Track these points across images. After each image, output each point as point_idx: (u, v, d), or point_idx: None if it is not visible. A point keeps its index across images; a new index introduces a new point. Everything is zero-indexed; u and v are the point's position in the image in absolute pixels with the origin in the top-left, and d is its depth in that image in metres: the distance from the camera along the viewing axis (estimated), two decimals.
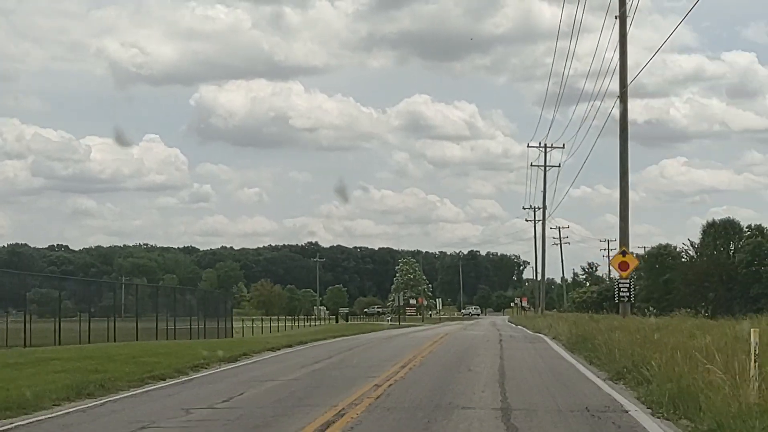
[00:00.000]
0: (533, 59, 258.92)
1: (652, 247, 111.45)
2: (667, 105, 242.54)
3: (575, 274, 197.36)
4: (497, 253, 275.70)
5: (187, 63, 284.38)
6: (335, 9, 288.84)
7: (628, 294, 40.69)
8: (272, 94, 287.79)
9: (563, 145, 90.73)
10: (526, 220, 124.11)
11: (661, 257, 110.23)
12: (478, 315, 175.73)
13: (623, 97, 39.11)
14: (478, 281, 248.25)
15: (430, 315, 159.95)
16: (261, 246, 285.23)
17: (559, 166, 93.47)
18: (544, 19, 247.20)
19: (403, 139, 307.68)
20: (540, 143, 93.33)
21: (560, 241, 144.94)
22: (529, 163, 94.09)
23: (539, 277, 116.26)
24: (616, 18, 40.14)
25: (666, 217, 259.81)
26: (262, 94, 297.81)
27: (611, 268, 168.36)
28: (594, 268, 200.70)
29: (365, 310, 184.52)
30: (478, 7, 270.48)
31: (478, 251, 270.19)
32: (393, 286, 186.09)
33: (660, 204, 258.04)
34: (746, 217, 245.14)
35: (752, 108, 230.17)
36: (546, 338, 41.86)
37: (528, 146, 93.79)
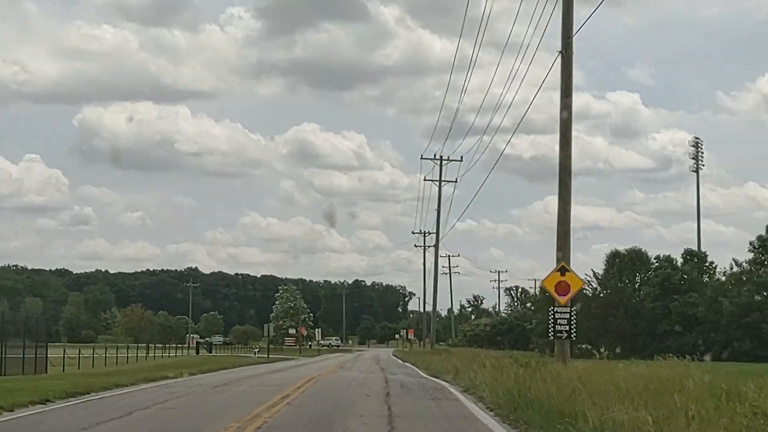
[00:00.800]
0: (423, 92, 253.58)
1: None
2: (553, 142, 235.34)
3: (462, 307, 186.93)
4: (383, 283, 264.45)
5: (71, 82, 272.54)
6: (225, 34, 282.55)
7: (567, 328, 28.33)
8: (158, 118, 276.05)
9: (461, 157, 79.91)
10: (416, 246, 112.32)
11: None
12: (338, 347, 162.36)
13: (568, 107, 26.69)
14: (363, 312, 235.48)
15: (310, 346, 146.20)
16: (138, 270, 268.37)
17: (456, 180, 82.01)
18: (434, 52, 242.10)
19: (291, 167, 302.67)
20: (435, 155, 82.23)
21: (450, 270, 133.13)
22: (423, 177, 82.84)
23: (429, 308, 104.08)
24: (558, 53, 29.05)
25: (549, 252, 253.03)
26: (148, 116, 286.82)
27: (512, 296, 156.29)
28: (480, 301, 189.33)
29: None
30: (369, 38, 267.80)
31: (363, 281, 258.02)
32: (272, 314, 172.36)
33: (544, 239, 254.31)
34: None
35: (635, 148, 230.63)
36: (454, 390, 28.73)
37: (422, 158, 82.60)
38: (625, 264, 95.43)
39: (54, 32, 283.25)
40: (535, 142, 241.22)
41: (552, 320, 28.50)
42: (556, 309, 28.60)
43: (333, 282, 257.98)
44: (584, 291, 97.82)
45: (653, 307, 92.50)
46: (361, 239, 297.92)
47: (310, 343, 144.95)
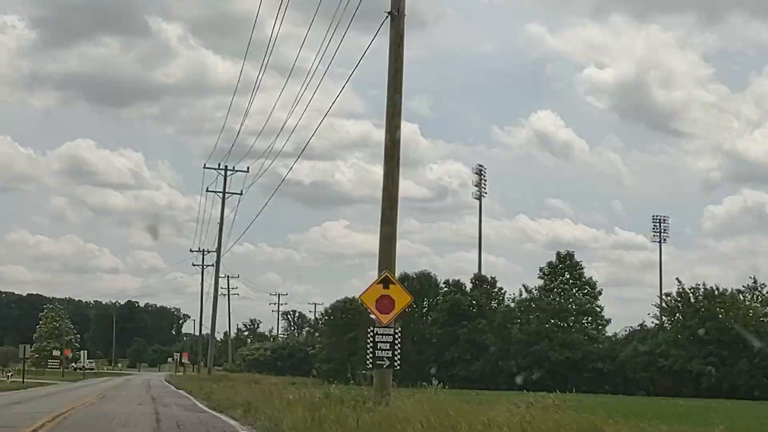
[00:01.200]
0: (203, 112, 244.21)
1: (338, 300, 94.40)
2: (333, 168, 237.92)
3: (239, 330, 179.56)
4: (156, 305, 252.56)
5: None
6: None
7: (390, 354, 22.34)
8: None
9: (247, 168, 73.36)
10: (194, 265, 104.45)
11: (345, 312, 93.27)
12: (91, 369, 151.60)
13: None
14: (135, 334, 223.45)
15: (74, 369, 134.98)
16: None
17: (241, 193, 75.55)
18: (217, 73, 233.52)
19: (63, 184, 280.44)
20: (219, 164, 75.39)
21: (228, 291, 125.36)
22: (206, 188, 75.56)
23: (206, 330, 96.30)
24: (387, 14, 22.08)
25: (327, 278, 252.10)
26: None
27: (289, 320, 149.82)
28: (257, 325, 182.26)
29: None
30: (150, 55, 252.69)
31: (137, 302, 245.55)
32: (35, 335, 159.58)
33: (321, 265, 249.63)
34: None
35: (413, 177, 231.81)
36: None
37: (205, 167, 76.07)
38: (414, 288, 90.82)
39: None
40: (315, 168, 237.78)
41: (371, 344, 22.48)
42: (376, 330, 22.55)
43: (104, 302, 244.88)
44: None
45: (441, 333, 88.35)
46: (135, 260, 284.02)
47: (73, 365, 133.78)
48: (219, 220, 73.75)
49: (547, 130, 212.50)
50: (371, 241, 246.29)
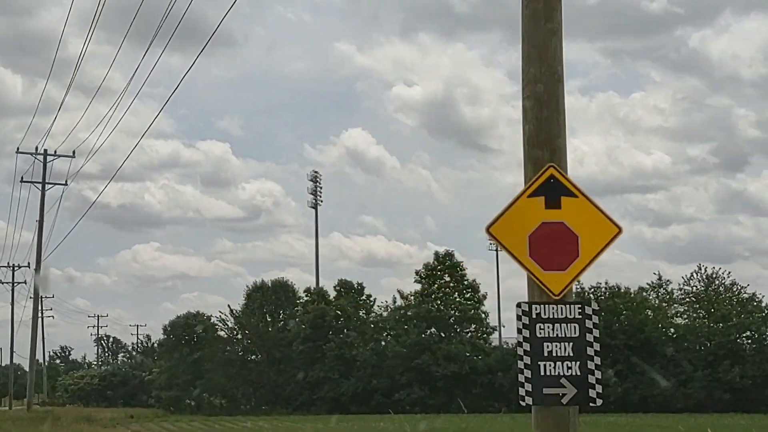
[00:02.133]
0: (2, 134, 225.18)
1: (178, 317, 79.31)
2: (143, 189, 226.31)
3: (51, 358, 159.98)
4: None
5: None
6: None
7: (579, 373, 8.37)
8: None
9: (73, 152, 58.26)
10: (2, 283, 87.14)
11: (187, 329, 78.24)
12: None
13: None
14: None
15: None
16: None
17: (66, 183, 60.94)
18: (17, 93, 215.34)
19: None
20: (37, 148, 59.21)
21: (42, 314, 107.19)
22: (20, 177, 59.53)
23: (22, 355, 79.35)
24: None
25: (139, 301, 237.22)
26: None
27: (102, 345, 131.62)
28: (68, 352, 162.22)
29: None
30: None
31: None
32: None
33: (132, 288, 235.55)
34: (215, 303, 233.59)
35: (225, 197, 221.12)
36: None
37: (18, 151, 59.94)
38: (269, 298, 76.80)
39: None
40: (124, 190, 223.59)
41: (523, 351, 8.58)
42: (535, 310, 8.72)
43: None
44: (219, 333, 78.25)
45: (303, 349, 74.53)
46: None
47: None
48: (38, 218, 57.50)
49: (358, 147, 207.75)
50: (184, 263, 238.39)
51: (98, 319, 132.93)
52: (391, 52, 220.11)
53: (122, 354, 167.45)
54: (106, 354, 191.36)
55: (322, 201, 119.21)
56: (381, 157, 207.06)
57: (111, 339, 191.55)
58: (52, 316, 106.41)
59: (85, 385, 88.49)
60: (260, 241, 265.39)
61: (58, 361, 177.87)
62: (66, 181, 59.64)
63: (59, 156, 56.90)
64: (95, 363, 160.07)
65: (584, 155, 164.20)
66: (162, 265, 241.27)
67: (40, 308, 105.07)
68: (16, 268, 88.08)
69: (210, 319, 78.27)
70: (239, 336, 75.07)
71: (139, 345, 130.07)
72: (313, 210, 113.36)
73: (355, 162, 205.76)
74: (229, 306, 75.79)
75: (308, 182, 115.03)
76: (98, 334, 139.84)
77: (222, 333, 75.73)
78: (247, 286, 78.45)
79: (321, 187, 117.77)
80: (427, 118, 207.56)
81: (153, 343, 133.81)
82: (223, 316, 75.23)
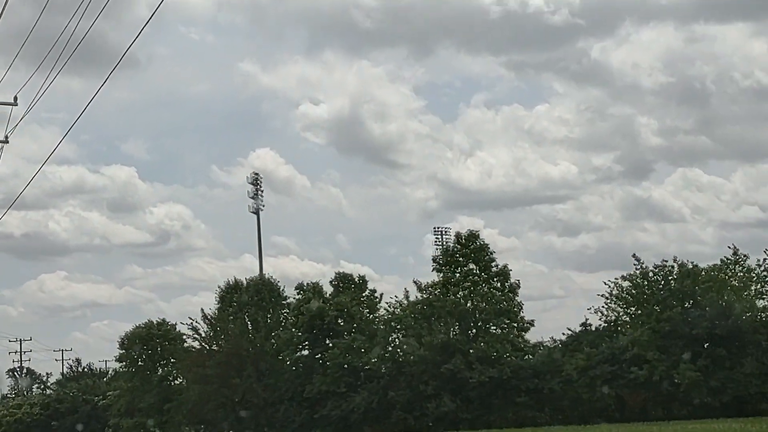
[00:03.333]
0: None
1: (138, 326, 62.53)
2: (47, 217, 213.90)
3: None
4: None
5: None
6: None
7: None
8: None
9: None
10: None
11: (150, 341, 61.78)
12: None
13: None
14: None
15: None
16: None
17: None
18: None
19: None
20: None
21: None
22: None
23: None
24: None
25: (48, 332, 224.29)
26: None
27: (15, 377, 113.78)
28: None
29: None
30: None
31: None
32: None
33: (40, 319, 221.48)
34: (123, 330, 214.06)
35: (132, 222, 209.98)
36: None
37: None
38: (251, 299, 60.86)
39: None
40: (27, 218, 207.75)
41: None
42: None
43: None
44: (189, 348, 61.88)
45: (298, 359, 58.99)
46: None
47: None
48: None
49: (267, 168, 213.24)
50: (93, 291, 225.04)
51: (21, 344, 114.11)
52: (295, 71, 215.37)
53: (36, 386, 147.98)
54: (20, 385, 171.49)
55: (263, 206, 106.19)
56: (291, 176, 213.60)
57: (24, 370, 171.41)
58: None
59: (24, 415, 71.09)
60: (170, 265, 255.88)
61: None
62: None
63: None
64: (10, 395, 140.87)
65: (492, 168, 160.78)
66: (70, 294, 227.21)
67: None
68: None
69: (175, 328, 61.85)
70: (215, 347, 58.85)
71: (70, 371, 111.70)
72: (255, 215, 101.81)
73: (265, 182, 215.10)
74: (202, 310, 59.59)
75: (248, 186, 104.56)
76: (21, 363, 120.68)
77: (194, 344, 59.42)
78: (219, 287, 62.51)
79: (262, 191, 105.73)
80: (336, 136, 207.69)
81: (83, 367, 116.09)
82: (194, 323, 58.95)
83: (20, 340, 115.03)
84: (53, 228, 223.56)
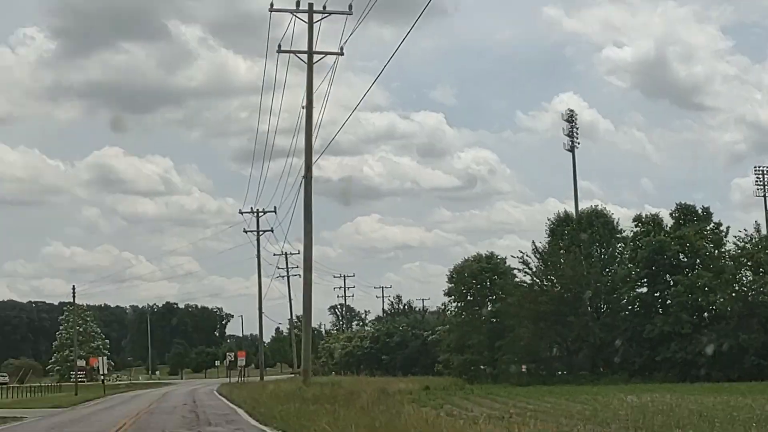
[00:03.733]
0: (227, 114, 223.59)
1: (466, 259, 60.43)
2: (361, 163, 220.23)
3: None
4: (197, 305, 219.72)
5: None
6: (16, 56, 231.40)
7: None
8: None
9: (275, 208, 63.09)
10: (245, 231, 71.40)
11: (479, 276, 59.38)
12: (116, 379, 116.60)
13: None
14: (175, 337, 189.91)
15: (102, 380, 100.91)
16: None
17: (272, 230, 70.41)
18: (239, 73, 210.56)
19: (93, 194, 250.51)
20: (252, 209, 69.31)
21: (287, 271, 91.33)
22: (243, 229, 68.42)
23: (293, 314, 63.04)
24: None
25: (363, 273, 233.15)
26: None
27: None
28: (344, 313, 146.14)
29: None
30: (171, 59, 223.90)
31: (176, 304, 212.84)
32: (56, 343, 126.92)
33: (356, 260, 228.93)
34: (436, 272, 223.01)
35: (440, 167, 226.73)
36: None
37: (240, 212, 69.86)
38: (582, 227, 56.95)
39: None
40: (342, 164, 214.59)
41: None
42: None
43: (141, 306, 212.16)
44: (520, 284, 58.96)
45: (636, 297, 54.48)
46: (170, 266, 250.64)
47: (102, 376, 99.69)
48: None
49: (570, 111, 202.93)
50: (405, 234, 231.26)
51: (345, 280, 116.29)
52: (600, 14, 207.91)
53: (355, 322, 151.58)
54: (341, 322, 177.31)
55: (578, 143, 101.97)
56: (594, 120, 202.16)
57: (344, 307, 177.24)
58: (298, 275, 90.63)
59: (354, 348, 71.44)
60: (477, 209, 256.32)
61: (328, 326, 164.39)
62: (272, 228, 59.39)
63: (266, 212, 41.04)
64: (333, 330, 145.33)
65: None
66: (383, 236, 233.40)
67: (281, 269, 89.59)
68: (260, 214, 72.06)
69: (505, 262, 59.06)
70: (547, 282, 55.47)
71: (391, 307, 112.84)
72: (570, 153, 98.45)
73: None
74: (533, 243, 56.31)
75: (563, 123, 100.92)
76: (344, 299, 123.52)
77: (525, 279, 56.38)
78: (548, 219, 58.98)
79: (577, 128, 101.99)
80: (640, 79, 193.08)
81: (403, 304, 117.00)
82: (525, 257, 55.79)
83: (344, 276, 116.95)
84: (367, 172, 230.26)
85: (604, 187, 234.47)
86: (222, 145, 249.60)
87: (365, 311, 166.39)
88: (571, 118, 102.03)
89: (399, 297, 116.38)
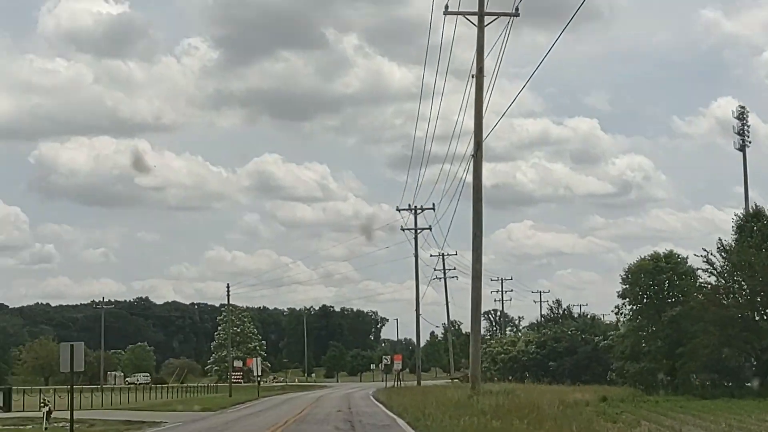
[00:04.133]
0: (382, 120, 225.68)
1: (643, 258, 54.93)
2: (514, 169, 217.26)
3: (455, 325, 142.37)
4: (353, 309, 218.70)
5: (25, 118, 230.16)
6: (181, 65, 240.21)
7: None
8: (116, 152, 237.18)
9: (433, 205, 61.47)
10: (403, 229, 68.07)
11: (656, 276, 53.77)
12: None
13: None
14: (331, 339, 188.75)
15: (260, 381, 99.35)
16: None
17: (430, 228, 68.49)
18: (394, 80, 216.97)
19: (253, 200, 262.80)
20: (409, 206, 67.21)
21: (444, 273, 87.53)
22: (400, 227, 66.50)
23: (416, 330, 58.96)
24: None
25: (515, 278, 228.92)
26: (105, 151, 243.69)
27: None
28: (456, 325, 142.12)
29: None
30: (328, 67, 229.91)
31: (332, 307, 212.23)
32: (214, 344, 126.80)
33: (509, 266, 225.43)
34: (589, 279, 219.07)
35: (594, 173, 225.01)
36: None
37: (398, 209, 67.17)
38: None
39: (6, 67, 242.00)
40: (496, 170, 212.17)
41: None
42: None
43: (298, 309, 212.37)
44: (704, 285, 53.18)
45: None
46: (327, 270, 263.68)
47: (259, 377, 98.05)
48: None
49: (729, 117, 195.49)
50: (558, 240, 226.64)
51: (502, 284, 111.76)
52: (760, 15, 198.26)
53: (509, 328, 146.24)
54: (494, 328, 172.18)
55: (750, 142, 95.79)
56: (755, 125, 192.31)
57: (499, 312, 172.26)
58: (456, 277, 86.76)
59: (519, 353, 66.90)
60: (632, 216, 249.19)
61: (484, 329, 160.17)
62: (430, 227, 62.46)
63: (425, 209, 39.50)
64: (486, 335, 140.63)
65: None
66: (536, 243, 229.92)
67: (438, 271, 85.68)
68: (418, 211, 68.36)
69: (686, 262, 53.33)
70: (735, 283, 49.48)
71: (551, 312, 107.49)
72: (740, 153, 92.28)
73: (725, 132, 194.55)
74: (719, 239, 50.41)
75: (733, 121, 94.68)
76: (501, 303, 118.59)
77: (710, 279, 50.55)
78: (736, 215, 52.96)
79: (748, 126, 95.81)
80: None
81: (563, 309, 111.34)
82: (708, 256, 49.96)
83: (501, 280, 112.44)
84: (520, 179, 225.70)
85: (764, 193, 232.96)
86: (376, 151, 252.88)
87: (519, 317, 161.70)
88: (742, 115, 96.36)
89: (558, 301, 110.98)
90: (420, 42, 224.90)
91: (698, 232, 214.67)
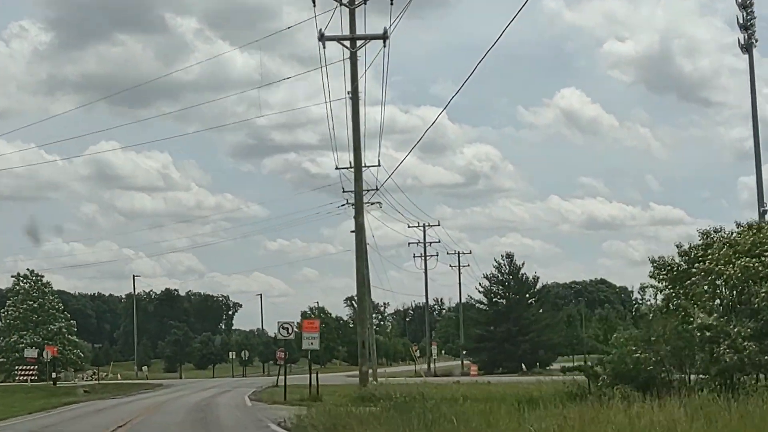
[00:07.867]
0: (224, 108, 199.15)
1: None
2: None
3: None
4: (200, 292, 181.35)
5: None
6: (10, 49, 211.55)
7: None
8: None
9: (378, 161, 45.79)
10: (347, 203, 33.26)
11: None
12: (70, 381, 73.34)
13: None
14: (174, 328, 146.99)
15: (56, 380, 58.17)
16: None
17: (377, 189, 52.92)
18: (236, 66, 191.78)
19: (91, 190, 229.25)
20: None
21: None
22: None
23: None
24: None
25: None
26: None
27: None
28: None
29: None
30: (167, 52, 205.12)
31: (176, 290, 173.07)
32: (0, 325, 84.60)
33: None
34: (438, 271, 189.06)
35: (442, 163, 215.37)
36: None
37: (337, 168, 47.01)
38: None
39: None
40: (343, 160, 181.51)
41: None
42: None
43: (138, 293, 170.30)
44: None
45: None
46: (170, 262, 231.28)
47: (55, 375, 57.14)
48: None
49: (573, 107, 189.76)
50: (406, 231, 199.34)
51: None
52: (601, 7, 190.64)
53: None
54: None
55: (756, 40, 62.83)
56: (597, 116, 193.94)
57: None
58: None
59: None
60: (478, 206, 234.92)
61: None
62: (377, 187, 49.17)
63: (369, 167, 40.85)
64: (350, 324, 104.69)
65: None
66: (384, 234, 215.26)
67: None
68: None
69: None
70: None
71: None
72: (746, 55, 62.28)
73: (570, 122, 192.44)
74: None
75: (736, 10, 62.15)
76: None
77: None
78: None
79: (755, 18, 63.08)
80: (644, 74, 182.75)
81: None
82: None
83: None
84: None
85: (608, 184, 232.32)
86: (218, 140, 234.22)
87: (384, 303, 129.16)
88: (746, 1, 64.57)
89: None
90: (261, 27, 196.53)
91: (545, 222, 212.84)
